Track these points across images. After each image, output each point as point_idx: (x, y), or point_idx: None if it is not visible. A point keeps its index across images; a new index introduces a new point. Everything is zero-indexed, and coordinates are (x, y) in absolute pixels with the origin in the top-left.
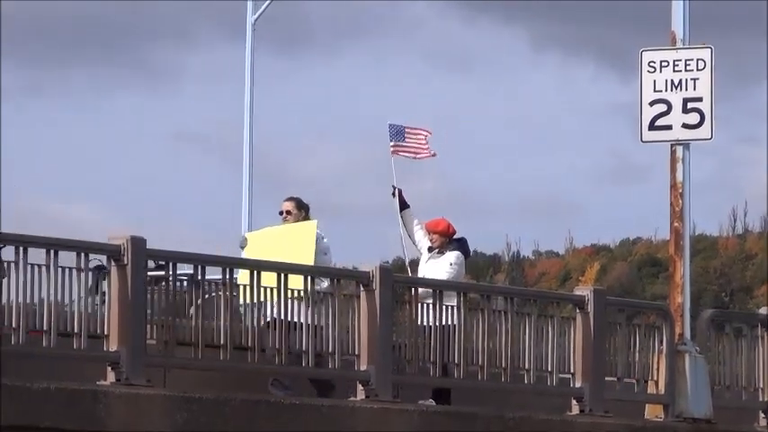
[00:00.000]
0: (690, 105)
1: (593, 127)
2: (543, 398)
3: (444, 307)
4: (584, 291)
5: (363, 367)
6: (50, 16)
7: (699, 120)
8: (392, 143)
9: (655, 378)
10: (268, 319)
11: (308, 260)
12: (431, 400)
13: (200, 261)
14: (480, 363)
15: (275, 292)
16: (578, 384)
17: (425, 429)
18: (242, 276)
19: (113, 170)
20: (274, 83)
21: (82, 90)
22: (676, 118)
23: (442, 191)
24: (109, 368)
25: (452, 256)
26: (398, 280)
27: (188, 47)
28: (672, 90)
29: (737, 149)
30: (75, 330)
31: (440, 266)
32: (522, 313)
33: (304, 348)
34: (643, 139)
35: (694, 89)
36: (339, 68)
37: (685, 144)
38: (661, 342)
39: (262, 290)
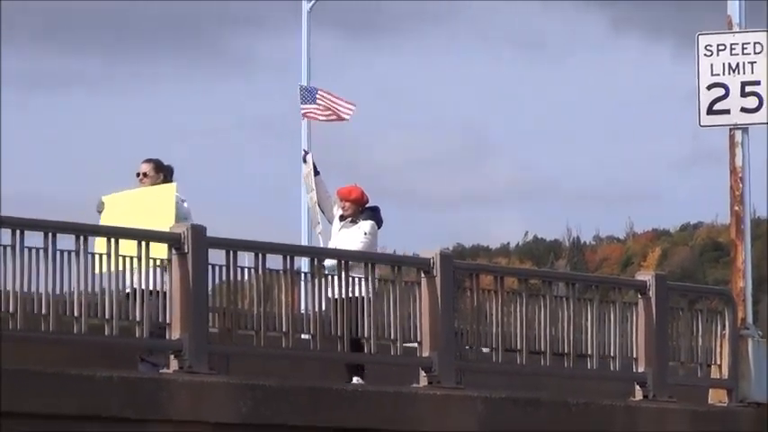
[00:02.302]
0: (748, 89)
1: (670, 111)
2: (606, 383)
3: (351, 279)
4: (645, 276)
5: (426, 354)
6: (125, 8)
7: (757, 104)
8: (303, 106)
9: (718, 363)
10: (128, 290)
11: (169, 224)
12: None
13: (261, 249)
14: (543, 349)
15: (135, 260)
16: (641, 369)
17: (489, 416)
18: (98, 244)
19: (187, 159)
20: (345, 68)
21: (152, 78)
22: (734, 102)
23: (517, 175)
24: (172, 356)
25: (366, 225)
26: (459, 266)
27: (258, 33)
28: (729, 74)
29: None
30: (138, 319)
31: (353, 236)
32: (583, 299)
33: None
34: (701, 124)
35: (752, 72)
36: (411, 53)
37: (744, 128)
38: (723, 327)
39: (121, 258)
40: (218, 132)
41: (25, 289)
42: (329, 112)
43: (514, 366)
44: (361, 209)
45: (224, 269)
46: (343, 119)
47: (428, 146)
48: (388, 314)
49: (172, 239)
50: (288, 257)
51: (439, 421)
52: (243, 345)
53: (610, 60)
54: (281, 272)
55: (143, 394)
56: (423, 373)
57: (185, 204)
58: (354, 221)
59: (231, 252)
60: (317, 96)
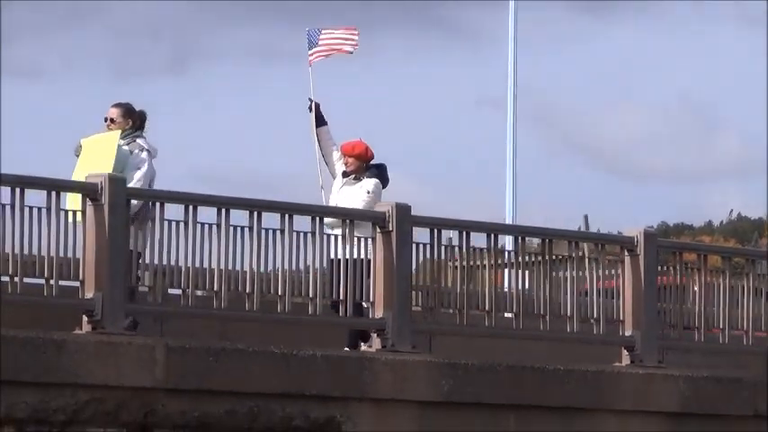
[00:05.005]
0: None
1: None
2: None
3: (357, 239)
4: None
5: (628, 332)
6: None
7: None
8: (310, 52)
9: None
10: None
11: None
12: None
13: (465, 227)
14: (744, 327)
15: None
16: None
17: (691, 394)
18: (71, 200)
19: (415, 136)
20: (563, 41)
21: (388, 52)
22: None
23: (738, 153)
24: (375, 335)
25: (370, 183)
26: (662, 245)
27: (490, 7)
28: None
29: None
30: (341, 297)
31: (355, 194)
32: None
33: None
34: None
35: None
36: (633, 27)
37: None
38: None
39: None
40: (425, 106)
41: (230, 267)
42: (333, 47)
43: (716, 345)
44: (365, 165)
45: (427, 247)
46: (347, 51)
47: (653, 122)
48: (590, 292)
49: (375, 218)
50: (492, 235)
51: (641, 400)
52: (445, 323)
53: None
54: (485, 250)
55: (346, 372)
56: (625, 352)
57: (143, 154)
58: (358, 179)
59: (435, 230)
60: (320, 37)
